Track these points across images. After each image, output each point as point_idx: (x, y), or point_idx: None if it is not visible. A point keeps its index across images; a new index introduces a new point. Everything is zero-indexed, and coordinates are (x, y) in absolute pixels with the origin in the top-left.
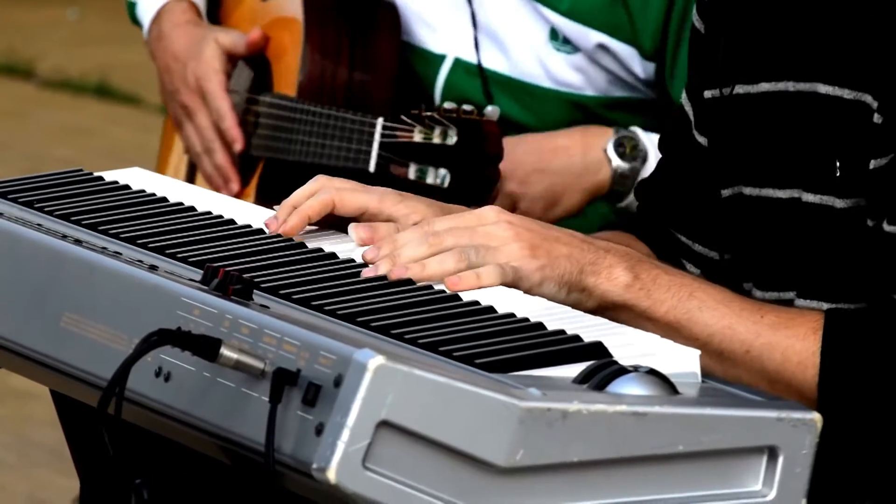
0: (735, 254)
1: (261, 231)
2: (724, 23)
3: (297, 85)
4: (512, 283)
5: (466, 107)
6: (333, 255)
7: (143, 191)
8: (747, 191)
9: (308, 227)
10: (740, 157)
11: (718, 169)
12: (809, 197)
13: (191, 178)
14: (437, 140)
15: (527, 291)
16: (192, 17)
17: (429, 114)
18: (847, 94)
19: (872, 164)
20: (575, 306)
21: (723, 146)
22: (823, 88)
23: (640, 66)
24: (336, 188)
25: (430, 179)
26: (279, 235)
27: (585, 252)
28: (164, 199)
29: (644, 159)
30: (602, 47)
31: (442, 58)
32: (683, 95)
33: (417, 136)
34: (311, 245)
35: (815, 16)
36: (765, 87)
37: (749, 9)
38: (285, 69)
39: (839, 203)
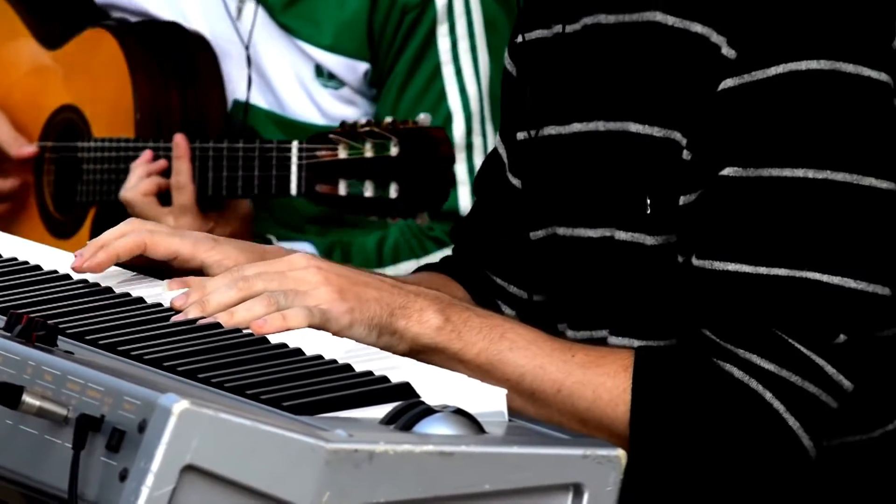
0: (549, 294)
1: (67, 276)
2: (534, 65)
3: (133, 128)
4: (320, 326)
5: (391, 119)
6: (141, 300)
7: None
8: (560, 231)
9: (114, 271)
10: (553, 198)
11: (532, 210)
12: (621, 235)
13: None
14: (370, 154)
15: (336, 334)
16: None
17: (365, 129)
18: (657, 131)
19: (682, 200)
20: (386, 350)
21: (536, 187)
22: (634, 127)
23: None
24: (148, 231)
25: (368, 192)
26: (86, 281)
27: (395, 296)
28: None
29: None
30: (368, 75)
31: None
32: (497, 138)
33: (343, 153)
34: (118, 290)
35: (625, 56)
36: (576, 127)
37: (559, 50)
38: (102, 114)
39: (650, 240)
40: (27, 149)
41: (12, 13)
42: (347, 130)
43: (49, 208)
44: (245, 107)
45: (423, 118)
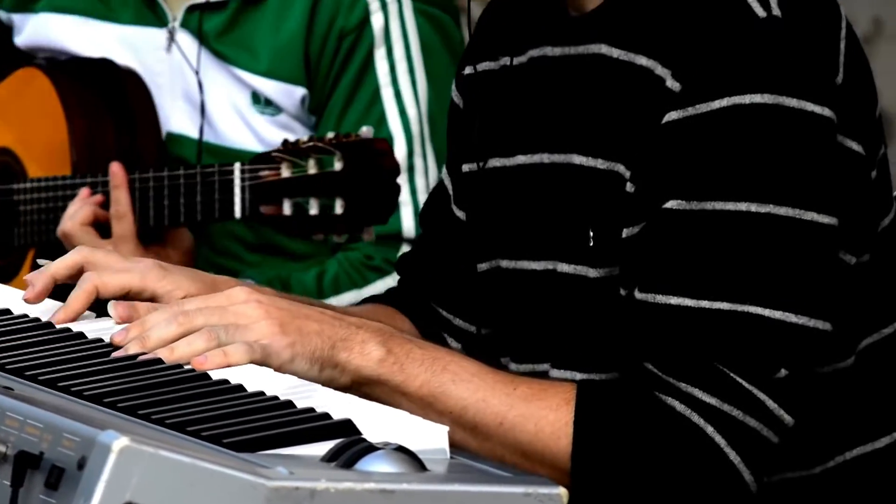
0: (493, 327)
1: (7, 311)
2: (480, 97)
3: (70, 166)
4: (262, 361)
5: (334, 134)
6: (82, 335)
7: None
8: (504, 263)
9: (53, 305)
10: (498, 231)
11: (477, 243)
12: (564, 267)
13: None
14: (313, 170)
15: (278, 369)
16: None
17: (308, 145)
18: (601, 163)
19: (625, 232)
20: (329, 383)
21: (481, 219)
22: (578, 159)
23: None
24: (97, 270)
25: (313, 210)
26: (26, 316)
27: (337, 328)
28: None
29: None
30: (305, 101)
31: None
32: (444, 170)
33: (286, 172)
34: (59, 325)
35: (570, 88)
36: (521, 159)
37: (504, 83)
38: (37, 154)
39: (593, 273)
40: None
41: None
42: (290, 148)
43: None
44: (199, 142)
45: (366, 131)
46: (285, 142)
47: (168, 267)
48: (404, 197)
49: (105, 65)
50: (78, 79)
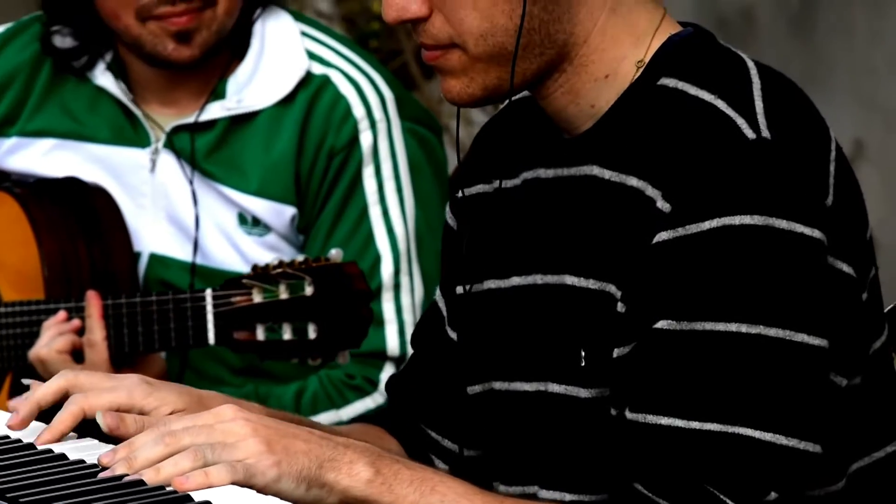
0: (484, 449)
1: None
2: (474, 219)
3: (43, 285)
4: (246, 481)
5: (303, 258)
6: (64, 456)
7: None
8: (497, 385)
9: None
10: (491, 352)
11: (470, 364)
12: (555, 388)
13: None
14: (285, 295)
15: (263, 489)
16: None
17: (278, 270)
18: (593, 284)
19: (616, 352)
20: (315, 503)
21: (474, 341)
22: (570, 280)
23: None
24: (83, 391)
25: (286, 335)
26: (7, 437)
27: (324, 448)
28: None
29: None
30: (294, 220)
31: (137, 254)
32: (437, 292)
33: (258, 297)
34: (42, 446)
35: (562, 209)
36: (515, 280)
37: (498, 204)
38: (10, 278)
39: (584, 393)
40: None
41: None
42: (260, 273)
43: None
44: (193, 265)
45: (335, 254)
46: (255, 266)
47: (154, 382)
48: (389, 315)
49: (72, 183)
50: (46, 199)
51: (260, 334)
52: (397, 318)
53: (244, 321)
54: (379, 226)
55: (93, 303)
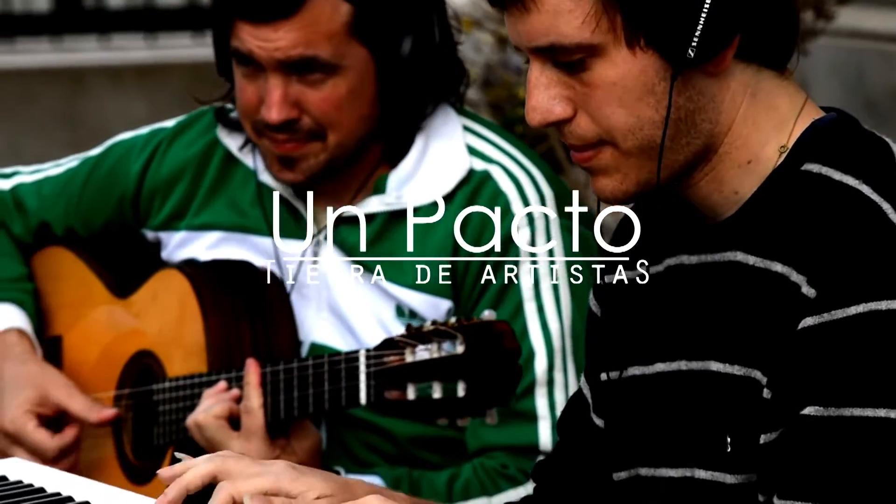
0: None
1: None
2: (619, 306)
3: (206, 362)
4: None
5: (455, 318)
6: None
7: (21, 481)
8: (643, 471)
9: None
10: (636, 438)
11: (616, 451)
12: (701, 473)
13: None
14: (436, 354)
15: None
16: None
17: (430, 329)
18: (738, 370)
19: (762, 438)
20: None
21: (620, 428)
22: (715, 366)
23: None
24: (230, 477)
25: (436, 394)
26: None
27: None
28: (42, 490)
29: None
30: (450, 313)
31: (299, 343)
32: (582, 379)
33: (410, 357)
34: None
35: (706, 295)
36: (659, 367)
37: (642, 291)
38: (176, 354)
39: (730, 479)
40: (105, 413)
41: (83, 266)
42: (413, 333)
43: (128, 455)
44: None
45: (488, 314)
46: (409, 326)
47: (301, 468)
48: (542, 411)
49: (243, 266)
50: (215, 279)
51: (411, 393)
52: (550, 414)
53: (396, 380)
54: (533, 321)
55: (252, 370)
